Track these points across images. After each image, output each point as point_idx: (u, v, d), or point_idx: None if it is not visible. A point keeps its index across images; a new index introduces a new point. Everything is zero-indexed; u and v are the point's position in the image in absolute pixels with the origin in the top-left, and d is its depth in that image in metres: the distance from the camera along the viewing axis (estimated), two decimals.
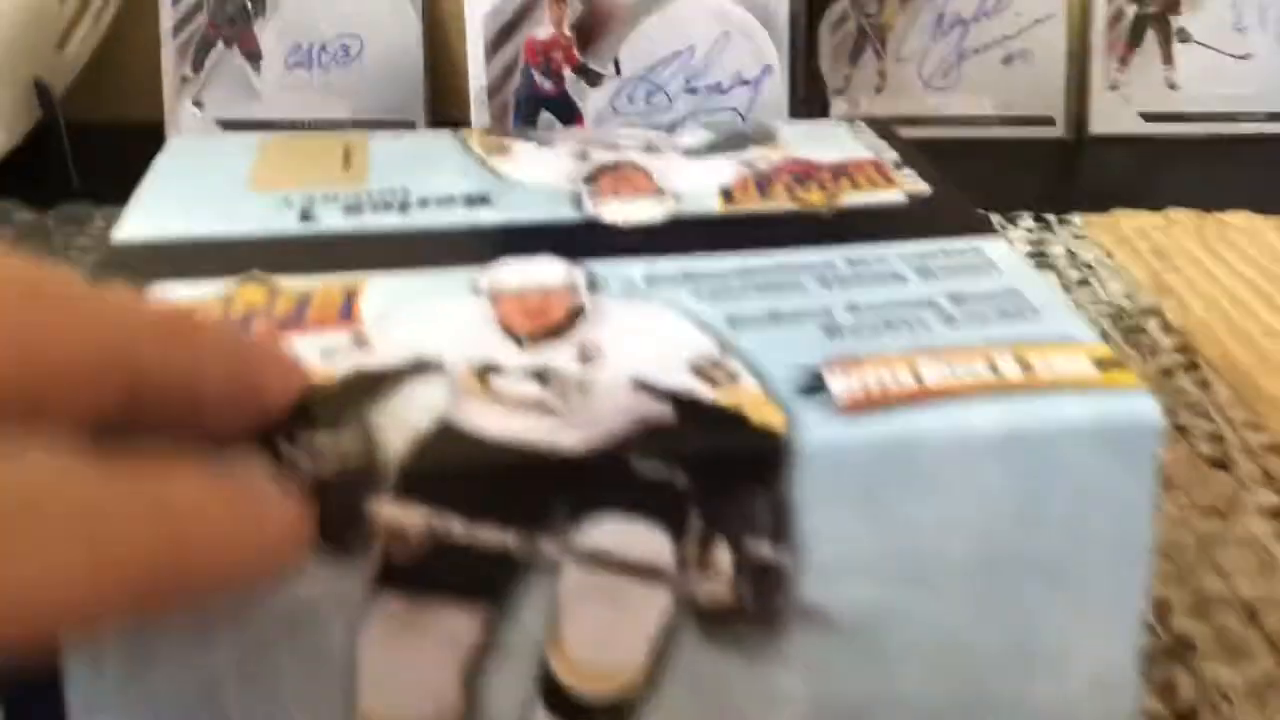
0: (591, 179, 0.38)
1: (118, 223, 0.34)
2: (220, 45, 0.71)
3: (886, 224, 0.34)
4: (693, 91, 0.57)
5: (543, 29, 0.56)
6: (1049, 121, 0.74)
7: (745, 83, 0.57)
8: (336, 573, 0.24)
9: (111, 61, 0.74)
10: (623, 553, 0.25)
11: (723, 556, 0.25)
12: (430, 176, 0.38)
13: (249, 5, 0.71)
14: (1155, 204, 0.64)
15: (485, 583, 0.25)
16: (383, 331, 0.29)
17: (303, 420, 0.25)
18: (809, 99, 0.61)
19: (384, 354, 0.28)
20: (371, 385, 0.27)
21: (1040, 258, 0.58)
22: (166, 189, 0.36)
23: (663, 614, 0.25)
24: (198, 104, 0.72)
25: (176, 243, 0.33)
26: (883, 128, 0.44)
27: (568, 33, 0.56)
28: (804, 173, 0.38)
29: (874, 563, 0.26)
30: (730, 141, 0.41)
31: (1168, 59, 0.75)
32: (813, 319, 0.29)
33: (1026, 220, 0.61)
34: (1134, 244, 0.59)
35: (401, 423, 0.25)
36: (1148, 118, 0.75)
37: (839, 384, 0.27)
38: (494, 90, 0.56)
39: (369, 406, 0.26)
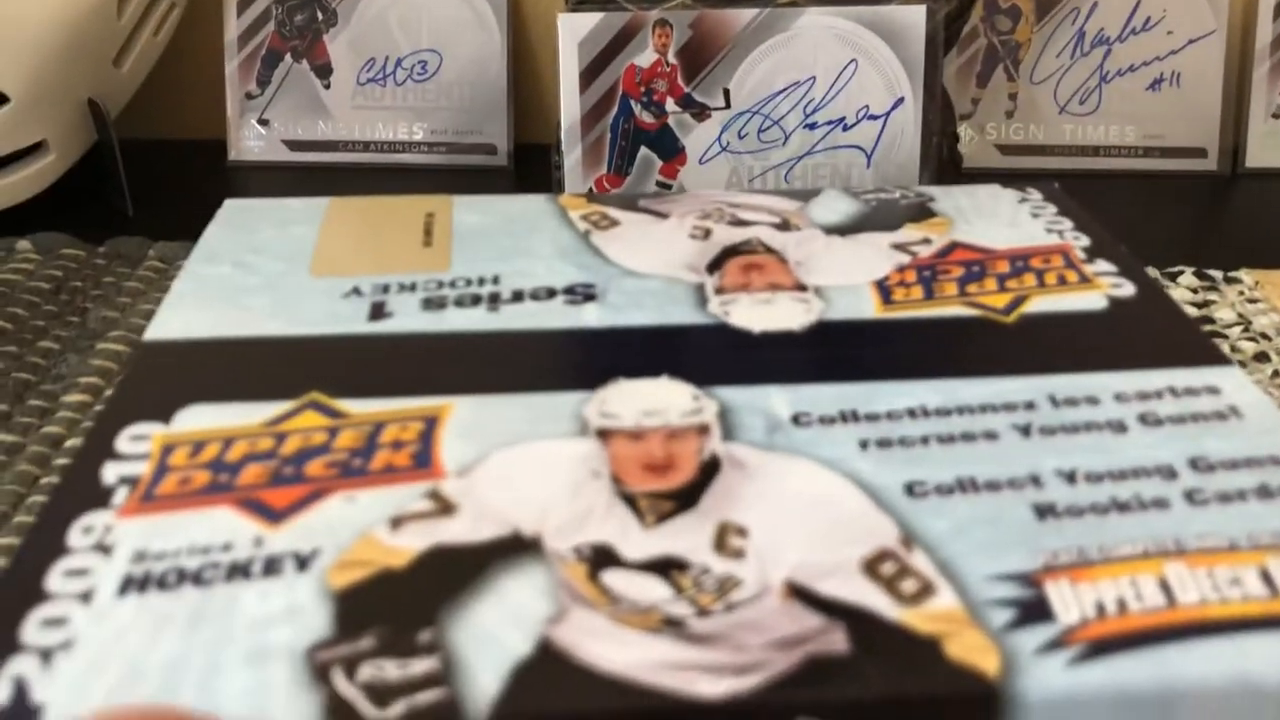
0: (715, 265, 0.31)
1: (155, 316, 0.28)
2: (288, 58, 0.66)
3: (1089, 343, 0.28)
4: (811, 127, 0.50)
5: (644, 56, 0.50)
6: (1201, 153, 0.66)
7: (874, 117, 0.50)
8: None
9: (171, 75, 0.69)
10: None
11: None
12: (524, 259, 0.31)
13: (320, 15, 0.65)
14: None
15: None
16: (467, 487, 0.23)
17: (364, 638, 0.19)
18: (940, 131, 0.54)
19: (468, 525, 0.22)
20: (452, 574, 0.21)
21: (1206, 323, 0.50)
22: (212, 271, 0.31)
23: None
24: (263, 122, 0.66)
25: (220, 344, 0.27)
26: (1060, 195, 0.37)
27: (672, 60, 0.50)
28: (977, 264, 0.31)
29: None
30: (879, 216, 0.35)
31: None
32: (1017, 493, 0.23)
33: (1188, 277, 0.54)
34: None
35: (489, 644, 0.19)
36: None
37: (1066, 605, 0.20)
38: (588, 123, 0.50)
39: (448, 614, 0.20)
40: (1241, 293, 0.53)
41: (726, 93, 0.50)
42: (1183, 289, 0.53)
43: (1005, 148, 0.67)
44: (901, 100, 0.50)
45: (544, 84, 0.70)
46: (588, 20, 0.49)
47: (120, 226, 0.59)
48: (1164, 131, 0.66)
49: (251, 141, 0.66)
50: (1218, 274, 0.54)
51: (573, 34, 0.49)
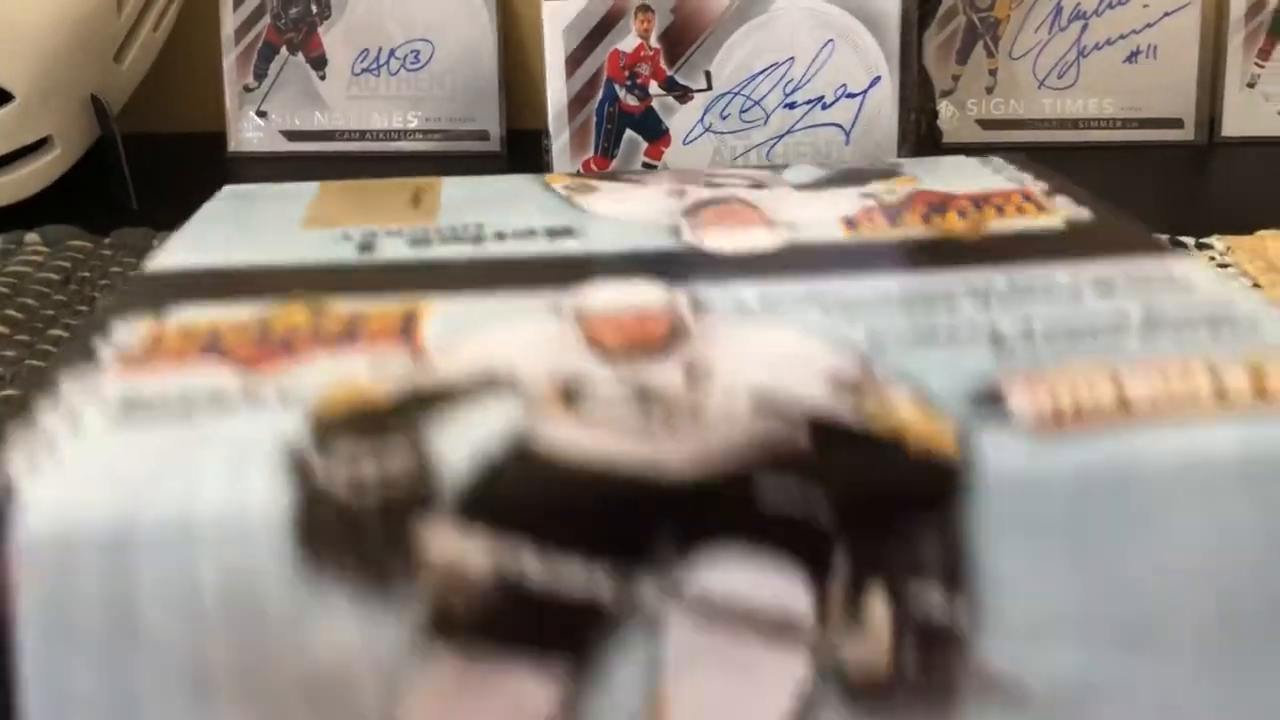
0: (691, 213, 0.33)
1: (151, 255, 0.30)
2: (284, 51, 0.67)
3: (1048, 247, 0.29)
4: (791, 106, 0.52)
5: (628, 40, 0.51)
6: (1178, 123, 0.68)
7: (851, 95, 0.52)
8: (374, 622, 0.19)
9: (170, 70, 0.71)
10: (747, 601, 0.19)
11: (878, 610, 0.20)
12: (508, 214, 0.33)
13: (314, 8, 0.67)
14: None
15: (566, 638, 0.19)
16: (447, 350, 0.24)
17: (341, 433, 0.21)
18: (918, 108, 0.55)
19: (447, 370, 0.23)
20: (430, 402, 0.22)
21: None
22: (210, 227, 0.32)
23: (798, 684, 0.20)
24: (261, 114, 0.68)
25: (214, 271, 0.29)
26: (1021, 159, 0.38)
27: (654, 44, 0.51)
28: (939, 202, 0.33)
29: (1079, 622, 0.20)
30: (848, 177, 0.36)
31: None
32: (975, 337, 0.24)
33: None
34: None
35: (465, 441, 0.20)
36: None
37: (1023, 400, 0.21)
38: (575, 107, 0.52)
39: (425, 424, 0.21)
40: (1212, 258, 0.55)
41: (708, 75, 0.52)
42: None
43: (986, 122, 0.68)
44: (879, 79, 0.51)
45: (534, 71, 0.72)
46: (572, 7, 0.51)
47: (124, 218, 0.61)
48: (1141, 103, 0.68)
49: (250, 133, 0.68)
50: (1190, 241, 0.56)
51: (557, 21, 0.51)
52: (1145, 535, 0.20)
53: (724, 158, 0.52)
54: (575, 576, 0.19)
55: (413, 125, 0.67)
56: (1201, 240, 0.56)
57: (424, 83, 0.67)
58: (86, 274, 0.55)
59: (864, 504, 0.19)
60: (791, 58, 0.51)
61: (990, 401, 0.21)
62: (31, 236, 0.58)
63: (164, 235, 0.57)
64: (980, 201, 0.33)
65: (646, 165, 0.53)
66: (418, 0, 0.67)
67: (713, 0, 0.51)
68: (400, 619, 0.19)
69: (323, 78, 0.67)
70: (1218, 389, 0.22)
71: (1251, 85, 0.68)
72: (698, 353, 0.24)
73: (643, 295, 0.27)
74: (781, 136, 0.52)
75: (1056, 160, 0.72)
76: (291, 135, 0.68)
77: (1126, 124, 0.68)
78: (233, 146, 0.68)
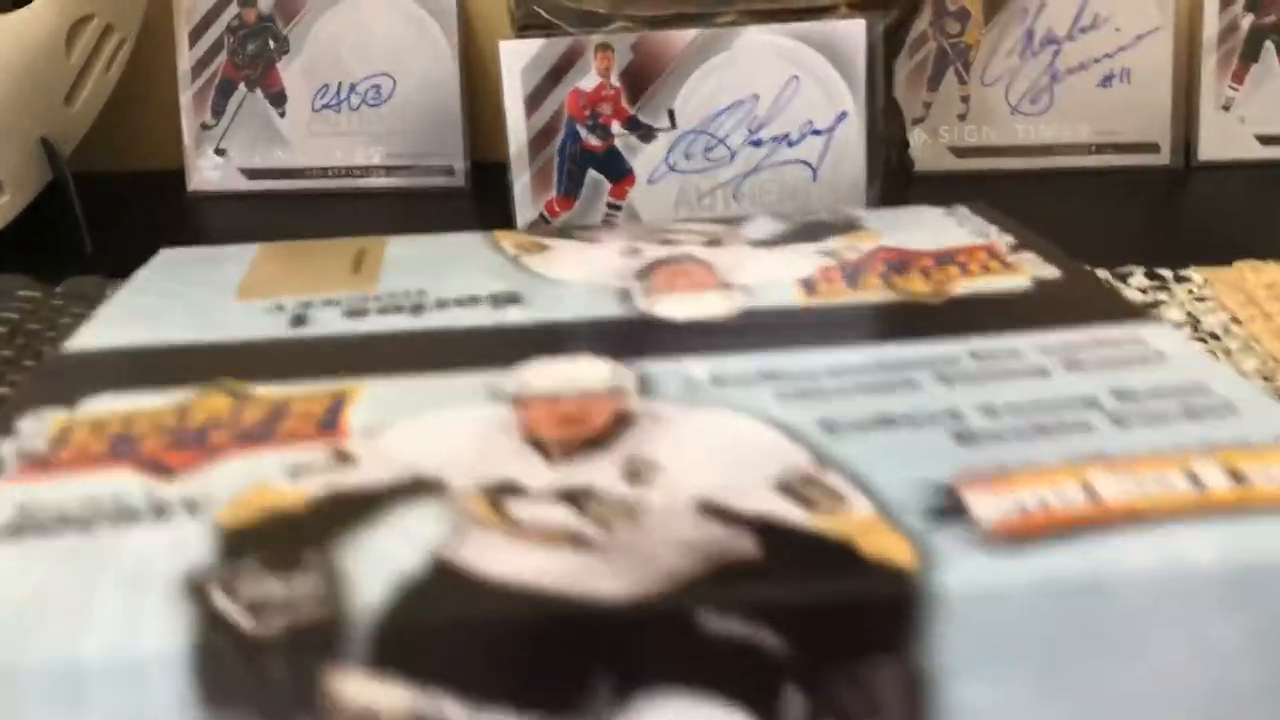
0: (644, 275, 0.32)
1: (74, 334, 0.29)
2: (242, 87, 0.66)
3: (1015, 312, 0.28)
4: (757, 144, 0.51)
5: (588, 79, 0.50)
6: (1153, 148, 0.67)
7: (817, 132, 0.50)
8: None
9: (125, 108, 0.69)
10: None
11: None
12: (452, 278, 0.32)
13: (271, 43, 0.66)
14: (1276, 240, 0.57)
15: None
16: (372, 446, 0.23)
17: (244, 560, 0.19)
18: (888, 139, 0.54)
19: (369, 472, 0.22)
20: (349, 510, 0.20)
21: None
22: (137, 300, 0.31)
23: None
24: (220, 151, 0.66)
25: (135, 351, 0.28)
26: (985, 209, 0.37)
27: (615, 83, 0.50)
28: (901, 261, 0.32)
29: None
30: (806, 231, 0.35)
31: None
32: (935, 424, 0.23)
33: (1138, 277, 0.54)
34: (1264, 305, 0.52)
35: (380, 561, 0.19)
36: (1265, 141, 0.67)
37: (984, 504, 0.20)
38: (536, 146, 0.50)
39: (341, 538, 0.19)
40: (1190, 291, 0.53)
41: (671, 113, 0.51)
42: (1133, 290, 0.53)
43: (958, 150, 0.67)
44: (845, 114, 0.50)
45: (497, 103, 0.70)
46: (530, 46, 0.49)
47: (79, 263, 0.60)
48: (1116, 128, 0.66)
49: (209, 171, 0.66)
50: (1168, 273, 0.55)
51: (515, 60, 0.49)
52: (1120, 654, 0.19)
53: (689, 197, 0.51)
54: None
55: (375, 161, 0.66)
56: (1180, 273, 0.55)
57: (386, 118, 0.66)
58: (35, 326, 0.53)
59: (815, 626, 0.18)
60: (755, 94, 0.50)
61: (951, 506, 0.20)
62: None
63: (116, 284, 0.56)
64: (943, 259, 0.32)
65: (611, 205, 0.51)
66: (378, 34, 0.65)
67: (674, 38, 0.50)
68: None
69: (282, 114, 0.66)
70: (1194, 488, 0.20)
71: (1226, 108, 0.67)
72: (642, 446, 0.22)
73: (587, 374, 0.25)
74: (748, 175, 0.51)
75: (1032, 188, 0.71)
76: (251, 174, 0.66)
77: (1102, 149, 0.67)
78: (192, 185, 0.66)
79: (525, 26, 0.54)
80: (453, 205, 0.65)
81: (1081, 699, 0.19)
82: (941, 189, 0.65)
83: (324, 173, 0.66)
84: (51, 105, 0.60)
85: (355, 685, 0.17)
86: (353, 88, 0.66)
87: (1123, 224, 0.61)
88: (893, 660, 0.18)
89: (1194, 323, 0.51)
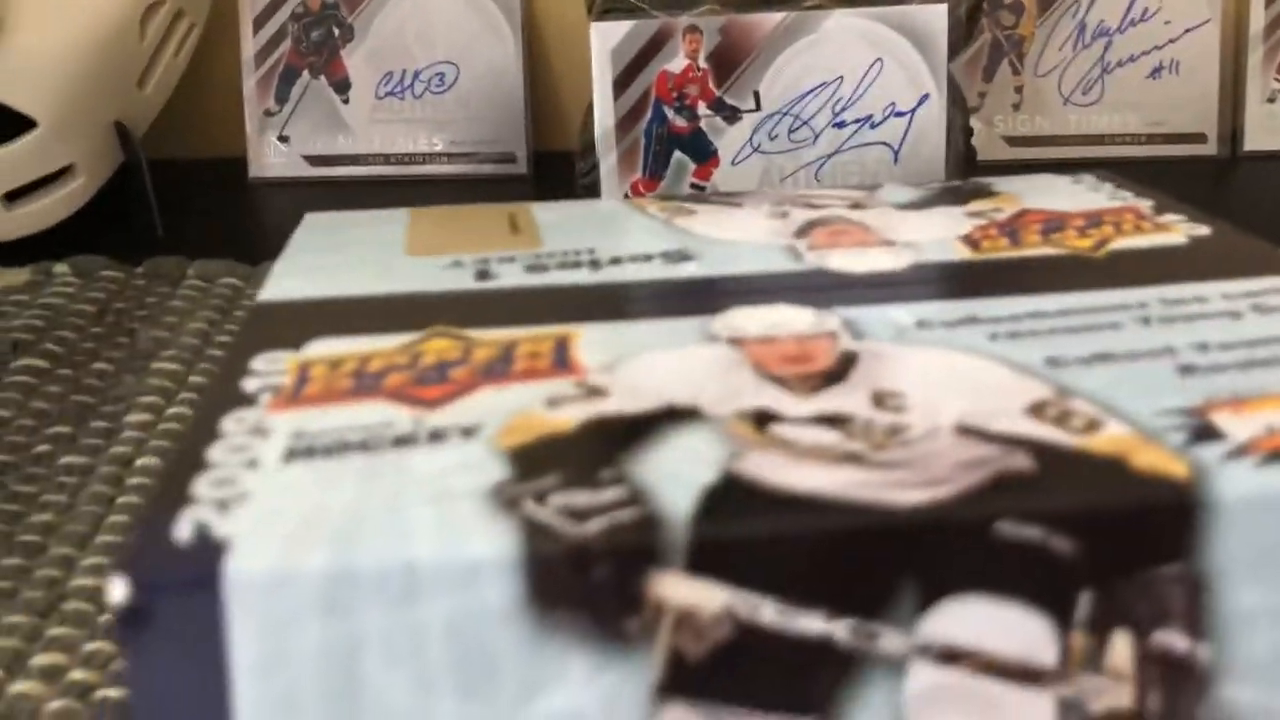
0: (802, 233, 0.33)
1: (262, 286, 0.29)
2: (306, 75, 0.66)
3: (1182, 264, 0.29)
4: (840, 125, 0.52)
5: (675, 61, 0.51)
6: (1201, 138, 0.68)
7: (900, 114, 0.51)
8: (607, 676, 0.18)
9: (190, 94, 0.69)
10: (991, 646, 0.19)
11: (1122, 649, 0.19)
12: (614, 237, 0.32)
13: (336, 30, 0.66)
14: None
15: (804, 686, 0.19)
16: (613, 380, 0.23)
17: (548, 476, 0.20)
18: (961, 126, 0.55)
19: (625, 401, 0.22)
20: (622, 436, 0.21)
21: None
22: (308, 259, 0.31)
23: None
24: (283, 138, 0.67)
25: (336, 300, 0.28)
26: (1110, 175, 0.38)
27: (703, 65, 0.51)
28: (1055, 221, 0.33)
29: None
30: (945, 196, 0.36)
31: None
32: (1156, 359, 0.23)
33: None
34: None
35: (675, 476, 0.19)
36: None
37: (1234, 425, 0.21)
38: (623, 129, 0.51)
39: (626, 458, 0.20)
40: None
41: (756, 95, 0.52)
42: None
43: (1012, 139, 0.68)
44: (926, 97, 0.51)
45: (560, 92, 0.71)
46: (619, 29, 0.50)
47: (150, 246, 0.60)
48: (1165, 118, 0.68)
49: (272, 158, 0.67)
50: None
51: (605, 42, 0.50)
52: None
53: (772, 178, 0.52)
54: (814, 621, 0.18)
55: (438, 148, 0.66)
56: None
57: (449, 105, 0.66)
58: (122, 305, 0.54)
59: (1103, 533, 0.19)
60: (840, 77, 0.51)
61: (1203, 427, 0.21)
62: (61, 267, 0.56)
63: (199, 264, 0.56)
64: (1093, 220, 0.33)
65: (695, 186, 0.52)
66: (442, 22, 0.66)
67: (761, 20, 0.51)
68: (634, 671, 0.18)
69: (346, 101, 0.66)
70: None
71: (1271, 100, 0.68)
72: (879, 380, 0.23)
73: (792, 319, 0.26)
74: (830, 156, 0.52)
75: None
76: (314, 160, 0.67)
77: (1151, 139, 0.68)
78: (254, 172, 0.67)
79: (607, 10, 0.55)
80: (514, 192, 0.66)
81: None
82: (996, 177, 0.67)
83: (386, 159, 0.67)
84: (125, 89, 0.60)
85: (674, 586, 0.18)
86: (416, 75, 0.66)
87: None
88: (1175, 566, 0.19)
89: None
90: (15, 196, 0.58)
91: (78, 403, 0.46)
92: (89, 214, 0.62)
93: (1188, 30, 0.68)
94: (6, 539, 0.39)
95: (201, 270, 0.56)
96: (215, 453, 0.21)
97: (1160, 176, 0.67)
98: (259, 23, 0.66)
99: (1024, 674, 0.19)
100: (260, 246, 0.60)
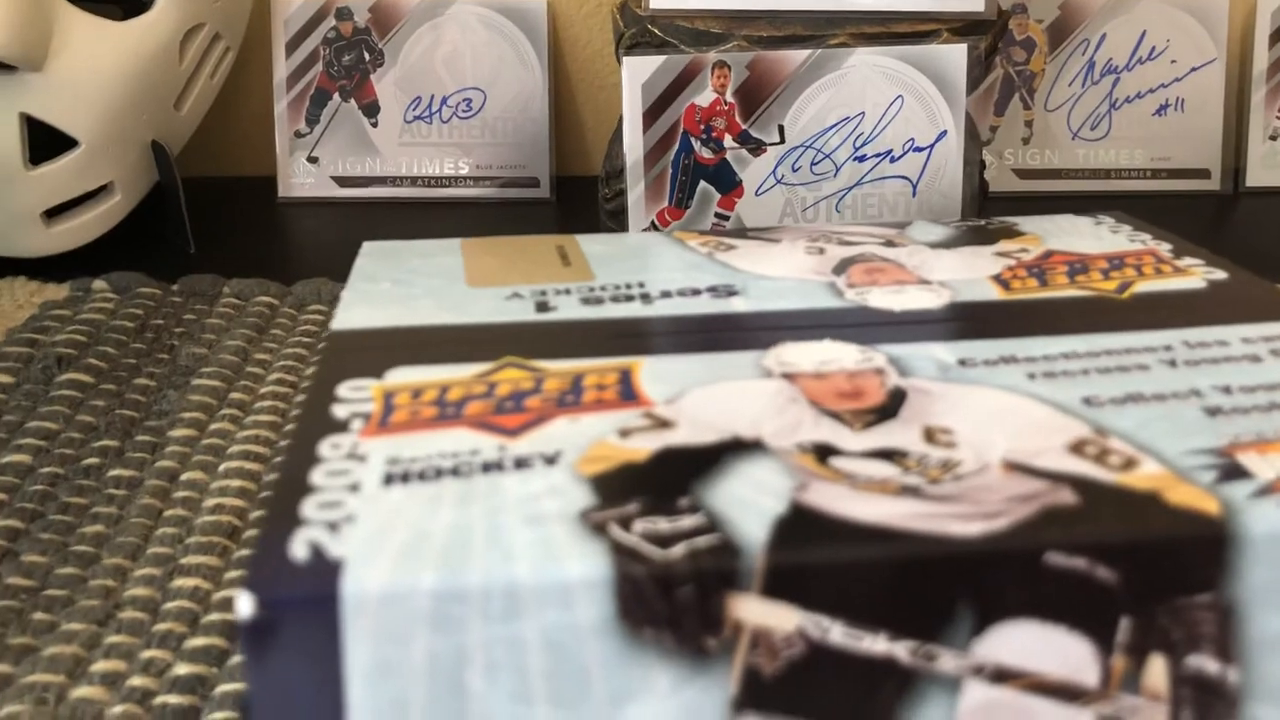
0: (840, 270, 0.34)
1: (335, 316, 0.31)
2: (336, 98, 0.68)
3: (1203, 308, 0.31)
4: (860, 159, 0.53)
5: (704, 95, 0.53)
6: (1205, 174, 0.70)
7: (919, 149, 0.53)
8: (689, 689, 0.20)
9: (223, 115, 0.71)
10: (1039, 666, 0.21)
11: (1158, 672, 0.21)
12: (662, 272, 0.34)
13: (367, 55, 0.68)
14: None
15: (868, 702, 0.21)
16: (679, 411, 0.25)
17: (630, 502, 0.21)
18: (975, 160, 0.57)
19: (692, 433, 0.24)
20: (693, 466, 0.23)
21: None
22: (375, 288, 0.33)
23: None
24: (312, 159, 0.68)
25: (406, 330, 0.30)
26: (1128, 217, 0.40)
27: (730, 99, 0.53)
28: (1079, 263, 0.34)
29: None
30: (972, 235, 0.38)
31: None
32: (1183, 401, 0.25)
33: None
34: None
35: (747, 505, 0.21)
36: None
37: (1259, 465, 0.23)
38: (651, 159, 0.53)
39: (699, 486, 0.22)
40: None
41: (781, 129, 0.53)
42: None
43: (1022, 172, 0.70)
44: (945, 133, 0.53)
45: (583, 119, 0.73)
46: (651, 63, 0.52)
47: (183, 263, 0.61)
48: (1170, 154, 0.70)
49: (301, 178, 0.68)
50: None
51: (636, 75, 0.52)
52: None
53: (794, 209, 0.54)
54: (879, 642, 0.20)
55: (464, 172, 0.68)
56: None
57: (475, 130, 0.68)
58: (160, 321, 0.55)
59: (1143, 564, 0.21)
60: (862, 112, 0.53)
61: (1231, 467, 0.22)
62: (99, 283, 0.58)
63: (234, 282, 0.57)
64: (1116, 262, 0.34)
65: (719, 216, 0.54)
66: (470, 50, 0.68)
67: (788, 57, 0.52)
68: (712, 684, 0.20)
69: (375, 124, 0.68)
70: None
71: (1274, 138, 0.71)
72: (929, 417, 0.25)
73: (840, 355, 0.28)
74: (850, 188, 0.54)
75: (1091, 209, 0.74)
76: (343, 181, 0.68)
77: (1156, 174, 0.70)
78: (283, 192, 0.68)
79: (635, 45, 0.56)
80: (538, 215, 0.67)
81: None
82: (1008, 209, 0.68)
83: (413, 182, 0.68)
84: (163, 109, 0.61)
85: (750, 607, 0.20)
86: (444, 100, 0.68)
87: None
88: (1207, 595, 0.21)
89: None
90: (55, 213, 0.60)
91: (123, 416, 0.48)
92: (123, 230, 0.63)
93: (1193, 69, 0.70)
94: (61, 549, 0.40)
95: (237, 288, 0.57)
96: (317, 476, 0.22)
97: (1165, 211, 0.69)
98: (291, 46, 0.68)
99: (1069, 693, 0.20)
100: (290, 266, 0.61)
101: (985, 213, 0.64)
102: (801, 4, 0.55)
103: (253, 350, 0.53)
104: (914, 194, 0.54)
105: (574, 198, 0.70)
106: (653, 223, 0.54)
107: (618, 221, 0.57)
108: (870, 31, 0.55)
